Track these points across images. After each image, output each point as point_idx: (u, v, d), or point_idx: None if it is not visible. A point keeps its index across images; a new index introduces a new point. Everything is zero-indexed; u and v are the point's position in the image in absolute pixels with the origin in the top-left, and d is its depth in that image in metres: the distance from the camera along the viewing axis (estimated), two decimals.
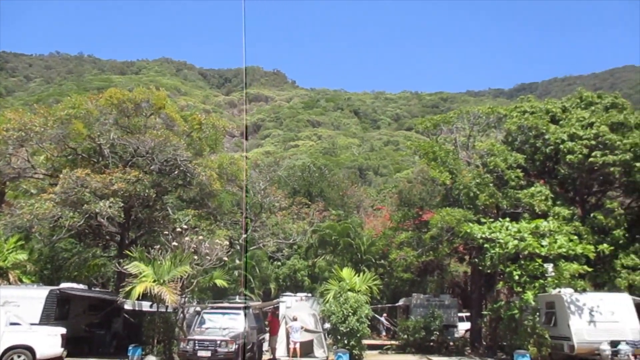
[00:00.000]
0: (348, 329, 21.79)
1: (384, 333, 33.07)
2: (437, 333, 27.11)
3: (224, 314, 20.70)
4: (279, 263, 35.11)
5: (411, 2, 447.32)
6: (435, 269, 34.50)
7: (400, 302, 33.23)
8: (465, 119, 29.28)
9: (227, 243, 23.77)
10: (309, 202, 39.71)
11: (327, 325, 23.95)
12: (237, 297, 26.76)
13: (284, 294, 28.24)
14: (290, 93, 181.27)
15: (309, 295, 28.38)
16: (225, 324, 19.93)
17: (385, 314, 34.33)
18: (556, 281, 21.74)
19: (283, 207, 33.93)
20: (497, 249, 22.13)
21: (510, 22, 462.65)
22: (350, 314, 21.89)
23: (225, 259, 22.57)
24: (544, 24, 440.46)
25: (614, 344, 19.76)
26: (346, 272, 24.09)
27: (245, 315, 20.50)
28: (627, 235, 25.91)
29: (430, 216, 26.88)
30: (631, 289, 24.28)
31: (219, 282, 23.57)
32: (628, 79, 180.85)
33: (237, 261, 31.98)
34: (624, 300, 21.33)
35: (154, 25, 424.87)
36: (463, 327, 31.29)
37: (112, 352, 22.45)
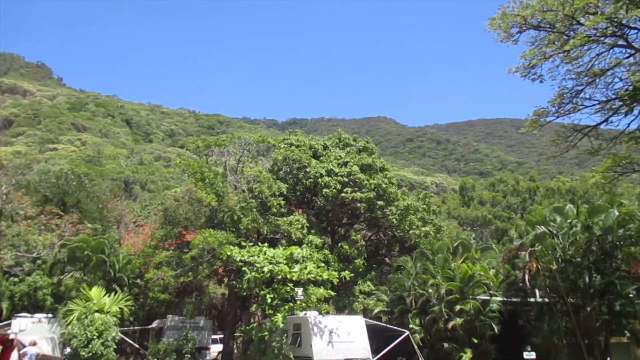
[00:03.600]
0: (91, 354, 20.04)
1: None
2: (189, 356, 26.63)
3: None
4: (17, 279, 30.75)
5: (196, 22, 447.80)
6: (194, 290, 34.08)
7: (154, 324, 31.89)
8: (237, 144, 30.00)
9: None
10: (62, 213, 35.96)
11: (68, 350, 21.71)
12: None
13: (19, 314, 24.86)
14: (55, 90, 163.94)
15: (50, 316, 25.47)
16: None
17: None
18: (304, 304, 23.28)
19: (29, 216, 30.07)
20: (254, 273, 22.86)
21: (291, 59, 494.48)
22: (95, 337, 20.20)
23: None
24: (320, 67, 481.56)
25: None
26: (95, 292, 22.25)
27: None
28: (365, 264, 29.33)
29: (194, 236, 26.64)
30: (365, 312, 27.39)
31: None
32: (380, 127, 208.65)
33: None
34: (359, 322, 23.77)
35: None
36: (216, 349, 31.32)
37: None
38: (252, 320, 27.01)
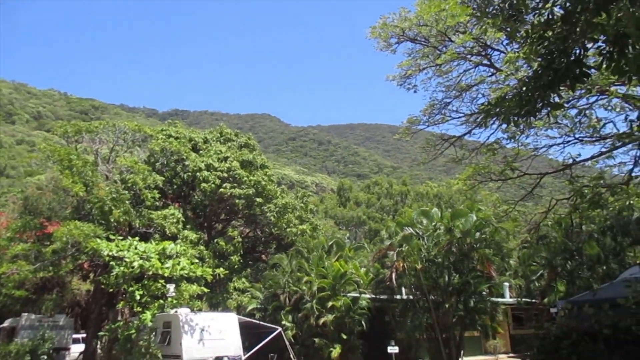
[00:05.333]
0: None
1: None
2: (46, 357, 24.73)
3: None
4: None
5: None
6: (55, 286, 31.62)
7: (6, 324, 29.18)
8: (111, 132, 28.41)
9: None
10: None
11: None
12: None
13: None
14: None
15: None
16: None
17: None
18: (175, 301, 22.64)
19: None
20: (122, 268, 21.78)
21: (175, 47, 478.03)
22: None
23: None
24: (206, 58, 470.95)
25: (219, 359, 21.67)
26: None
27: None
28: (241, 261, 29.23)
29: (57, 228, 24.74)
30: (239, 309, 27.28)
31: None
32: (264, 125, 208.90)
33: None
34: (231, 319, 23.61)
35: None
36: (78, 349, 29.45)
37: None
38: (118, 318, 25.74)
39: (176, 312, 22.49)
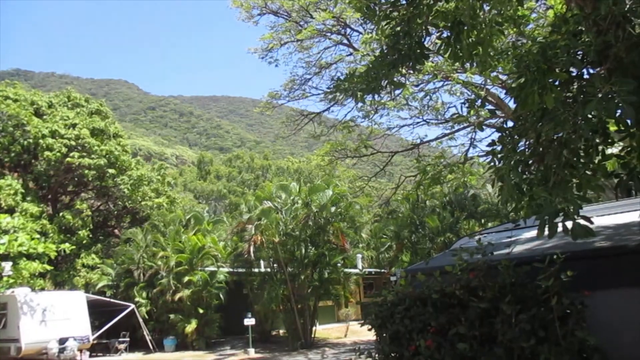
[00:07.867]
0: None
1: None
2: None
3: None
4: None
5: None
6: None
7: None
8: None
9: None
10: None
11: None
12: None
13: None
14: None
15: None
16: None
17: None
18: (12, 281, 20.75)
19: None
20: None
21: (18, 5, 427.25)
22: None
23: None
24: (53, 16, 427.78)
25: (63, 340, 20.32)
26: None
27: None
28: (91, 236, 27.48)
29: None
30: (88, 287, 25.75)
31: None
32: (120, 92, 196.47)
33: None
34: (78, 298, 22.26)
35: None
36: None
37: None
38: None
39: (13, 292, 20.69)
